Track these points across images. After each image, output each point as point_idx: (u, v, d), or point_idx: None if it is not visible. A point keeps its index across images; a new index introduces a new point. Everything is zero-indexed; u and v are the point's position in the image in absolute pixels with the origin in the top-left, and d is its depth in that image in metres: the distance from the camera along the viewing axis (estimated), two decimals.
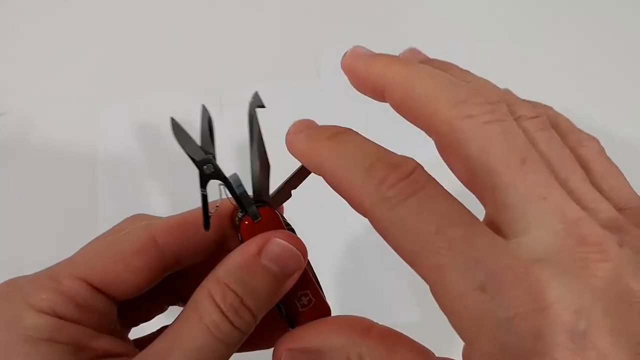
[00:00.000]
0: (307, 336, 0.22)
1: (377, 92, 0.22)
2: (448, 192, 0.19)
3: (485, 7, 0.63)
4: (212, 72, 0.58)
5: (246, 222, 0.24)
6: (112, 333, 0.23)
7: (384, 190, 0.18)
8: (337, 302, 0.47)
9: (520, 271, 0.16)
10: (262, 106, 0.24)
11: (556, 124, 0.22)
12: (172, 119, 0.23)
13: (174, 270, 0.25)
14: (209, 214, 0.23)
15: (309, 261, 0.25)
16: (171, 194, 0.52)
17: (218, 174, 0.23)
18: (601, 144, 0.23)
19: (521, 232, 0.17)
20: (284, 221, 0.25)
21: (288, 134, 0.23)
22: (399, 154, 0.20)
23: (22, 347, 0.20)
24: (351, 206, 0.20)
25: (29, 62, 0.60)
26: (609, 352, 0.15)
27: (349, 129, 0.21)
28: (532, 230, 0.17)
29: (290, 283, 0.23)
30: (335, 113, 0.56)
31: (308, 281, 0.25)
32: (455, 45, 0.60)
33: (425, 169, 0.19)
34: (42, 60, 0.60)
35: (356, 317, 0.23)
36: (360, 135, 0.21)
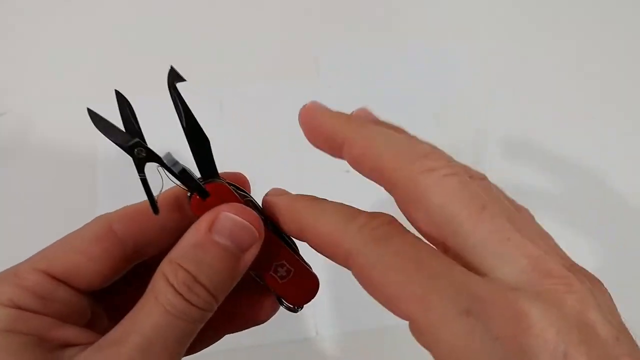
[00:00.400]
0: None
1: (334, 147, 0.23)
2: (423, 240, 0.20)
3: (485, 7, 0.63)
4: (212, 72, 0.58)
5: (195, 201, 0.23)
6: (87, 324, 0.24)
7: (367, 232, 0.20)
8: (336, 300, 0.47)
9: (501, 296, 0.17)
10: (182, 79, 0.24)
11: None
12: (89, 109, 0.23)
13: (141, 259, 0.25)
14: (155, 198, 0.23)
15: (283, 233, 0.24)
16: None
17: (152, 157, 0.23)
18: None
19: (490, 269, 0.18)
20: (242, 194, 0.24)
21: (266, 196, 0.24)
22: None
23: None
24: (331, 256, 0.21)
25: (29, 62, 0.60)
26: None
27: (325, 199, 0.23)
28: (501, 267, 0.18)
29: (249, 257, 0.22)
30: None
31: (281, 251, 0.24)
32: (455, 45, 0.61)
33: None
34: (42, 60, 0.60)
35: None
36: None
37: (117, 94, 0.23)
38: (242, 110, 0.56)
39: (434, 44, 0.60)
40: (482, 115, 0.56)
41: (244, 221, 0.22)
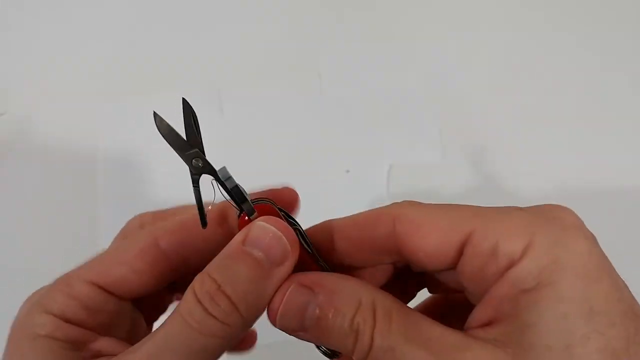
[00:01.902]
0: (321, 277, 0.22)
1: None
2: None
3: (485, 3, 0.63)
4: (212, 72, 0.58)
5: (242, 220, 0.23)
6: (127, 333, 0.25)
7: None
8: None
9: None
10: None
11: None
12: (155, 113, 0.22)
13: (184, 271, 0.25)
14: (204, 212, 0.23)
15: (325, 264, 0.24)
16: (171, 194, 0.52)
17: (208, 169, 0.22)
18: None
19: None
20: (289, 219, 0.24)
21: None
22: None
23: (25, 342, 0.22)
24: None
25: (29, 62, 0.60)
26: None
27: None
28: None
29: (281, 273, 0.21)
30: (335, 113, 0.56)
31: None
32: (454, 45, 0.61)
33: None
34: (42, 60, 0.60)
35: None
36: None
37: (184, 102, 0.23)
38: (243, 112, 0.56)
39: (435, 44, 0.61)
40: (483, 117, 0.56)
41: (274, 229, 0.22)
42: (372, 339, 0.20)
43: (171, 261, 0.25)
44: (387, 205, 0.23)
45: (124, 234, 0.27)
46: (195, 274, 0.22)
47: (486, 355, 0.19)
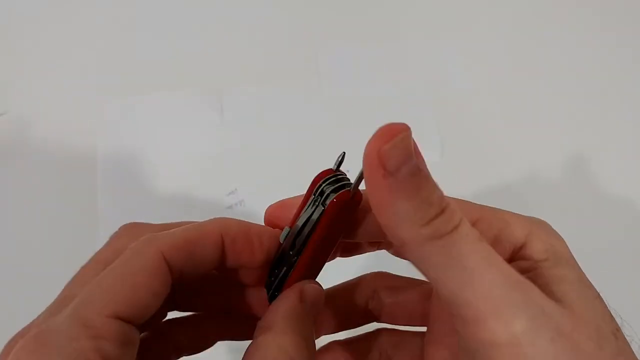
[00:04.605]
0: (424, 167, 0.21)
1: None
2: None
3: (485, 3, 0.63)
4: (212, 72, 0.58)
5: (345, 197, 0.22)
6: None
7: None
8: None
9: None
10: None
11: None
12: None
13: (177, 283, 0.23)
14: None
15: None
16: (171, 194, 0.52)
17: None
18: None
19: None
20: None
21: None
22: None
23: None
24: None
25: (28, 62, 0.60)
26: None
27: None
28: None
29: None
30: (335, 113, 0.56)
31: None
32: (453, 44, 0.61)
33: None
34: (42, 60, 0.60)
35: None
36: None
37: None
38: (243, 112, 0.56)
39: (433, 44, 0.61)
40: (481, 116, 0.57)
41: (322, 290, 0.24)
42: (459, 223, 0.19)
43: (174, 276, 0.22)
44: None
45: (119, 248, 0.23)
46: (187, 293, 0.23)
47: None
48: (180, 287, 0.23)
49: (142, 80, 0.58)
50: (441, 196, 0.20)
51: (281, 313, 0.23)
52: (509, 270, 0.19)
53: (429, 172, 0.20)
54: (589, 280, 0.22)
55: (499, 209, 0.23)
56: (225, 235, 0.24)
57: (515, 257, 0.22)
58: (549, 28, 0.62)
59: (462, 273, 0.19)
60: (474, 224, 0.21)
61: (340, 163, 0.22)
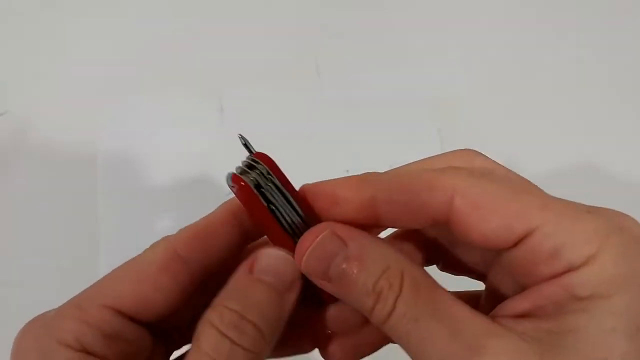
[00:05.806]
0: (357, 233, 0.21)
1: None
2: None
3: (485, 3, 0.63)
4: (212, 72, 0.58)
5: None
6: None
7: None
8: None
9: None
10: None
11: None
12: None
13: (202, 280, 0.23)
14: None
15: None
16: (171, 194, 0.52)
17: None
18: None
19: None
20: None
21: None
22: None
23: None
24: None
25: (28, 62, 0.60)
26: None
27: None
28: None
29: (294, 292, 0.22)
30: (335, 113, 0.56)
31: None
32: (453, 47, 0.61)
33: None
34: (42, 60, 0.60)
35: None
36: None
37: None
38: (242, 111, 0.56)
39: (433, 44, 0.61)
40: (481, 116, 0.57)
41: (286, 255, 0.22)
42: (394, 305, 0.19)
43: (191, 272, 0.22)
44: (442, 170, 0.21)
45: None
46: (212, 284, 0.22)
47: (510, 346, 0.18)
48: (210, 289, 0.23)
49: (142, 80, 0.58)
50: (376, 279, 0.20)
51: (227, 286, 0.22)
52: (453, 346, 0.19)
53: (362, 249, 0.20)
54: None
55: (569, 205, 0.21)
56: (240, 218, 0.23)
57: (566, 280, 0.19)
58: (549, 28, 0.62)
59: (412, 352, 0.20)
60: (530, 232, 0.19)
61: (246, 146, 0.23)
